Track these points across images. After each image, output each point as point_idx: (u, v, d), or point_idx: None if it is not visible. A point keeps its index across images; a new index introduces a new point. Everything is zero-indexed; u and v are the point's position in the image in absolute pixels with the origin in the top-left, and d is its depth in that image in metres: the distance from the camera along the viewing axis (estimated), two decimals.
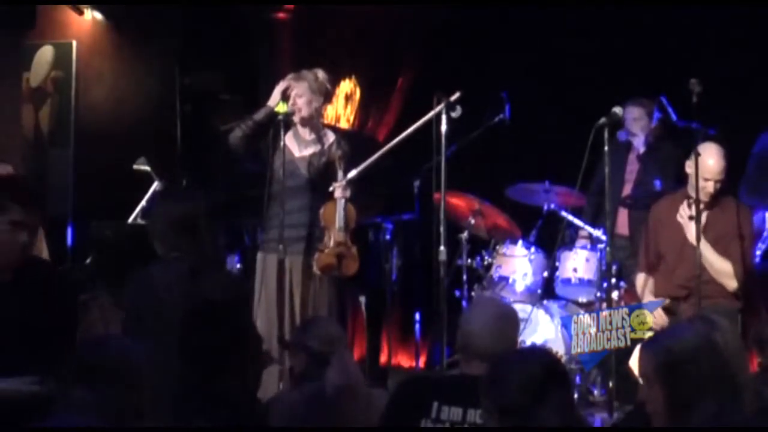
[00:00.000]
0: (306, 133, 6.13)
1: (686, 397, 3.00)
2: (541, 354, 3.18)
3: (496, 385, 3.00)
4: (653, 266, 5.95)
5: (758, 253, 6.23)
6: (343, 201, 5.93)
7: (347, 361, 4.10)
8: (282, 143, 5.91)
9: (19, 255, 3.96)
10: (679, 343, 3.08)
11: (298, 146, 6.10)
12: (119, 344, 3.22)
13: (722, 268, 5.70)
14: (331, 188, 5.96)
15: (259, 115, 5.99)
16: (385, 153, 6.18)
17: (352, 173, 5.98)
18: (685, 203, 5.72)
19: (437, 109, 5.84)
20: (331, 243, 5.91)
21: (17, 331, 3.80)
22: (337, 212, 5.91)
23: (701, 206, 5.66)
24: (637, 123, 6.89)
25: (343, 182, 5.93)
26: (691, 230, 5.66)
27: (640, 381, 5.46)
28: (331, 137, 6.16)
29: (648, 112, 6.91)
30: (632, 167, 6.99)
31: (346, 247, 5.93)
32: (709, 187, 5.68)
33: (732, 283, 5.72)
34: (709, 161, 5.65)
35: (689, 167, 5.76)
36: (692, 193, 5.77)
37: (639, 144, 6.93)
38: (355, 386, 4.01)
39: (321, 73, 6.05)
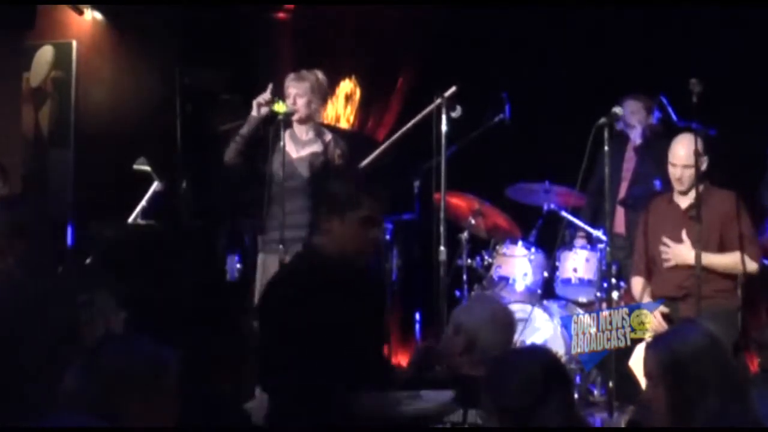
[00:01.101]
0: (303, 134, 6.14)
1: (690, 397, 3.00)
2: (541, 354, 3.18)
3: (496, 385, 3.00)
4: (649, 270, 5.94)
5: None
6: None
7: None
8: (282, 144, 5.92)
9: (370, 250, 3.89)
10: (684, 344, 3.09)
11: (295, 147, 6.12)
12: (136, 347, 3.21)
13: (730, 263, 5.69)
14: None
15: (245, 129, 6.01)
16: (384, 151, 6.19)
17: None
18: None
19: (435, 103, 5.85)
20: None
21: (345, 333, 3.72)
22: None
23: (687, 204, 5.67)
24: (634, 116, 6.90)
25: None
26: (681, 248, 5.66)
27: (641, 381, 5.47)
28: (328, 137, 6.17)
29: (645, 106, 6.91)
30: (629, 164, 6.99)
31: None
32: (677, 172, 5.71)
33: (752, 266, 5.71)
34: (674, 148, 5.73)
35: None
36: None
37: (636, 136, 6.93)
38: None
39: (321, 75, 6.08)
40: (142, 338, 2.87)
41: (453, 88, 5.83)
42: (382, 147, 6.20)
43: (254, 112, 6.02)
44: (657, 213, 5.96)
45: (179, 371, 2.84)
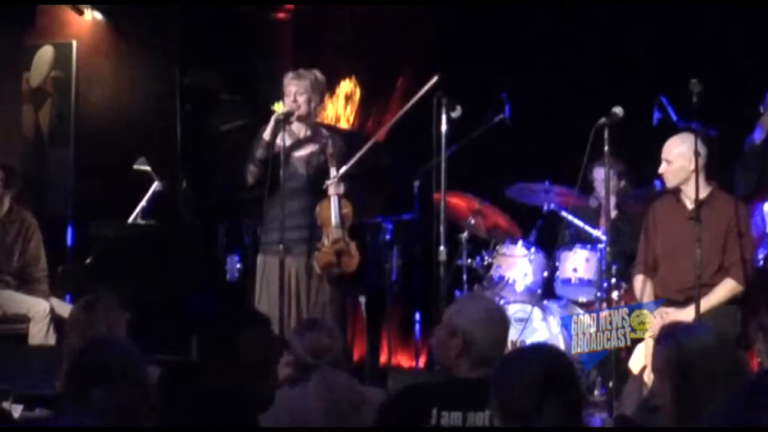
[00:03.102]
0: (302, 133, 6.15)
1: (697, 394, 3.00)
2: (544, 353, 3.15)
3: (500, 387, 3.00)
4: (652, 268, 5.93)
5: (760, 257, 6.21)
6: (337, 197, 5.94)
7: (329, 381, 4.03)
8: (283, 144, 5.92)
9: None
10: (692, 341, 3.08)
11: (293, 146, 6.11)
12: (120, 344, 3.28)
13: (726, 294, 5.67)
14: (324, 186, 5.97)
15: (261, 152, 5.98)
16: (373, 146, 6.20)
17: (343, 169, 5.99)
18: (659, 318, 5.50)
19: (421, 92, 5.85)
20: (328, 241, 5.92)
21: None
22: (332, 209, 5.93)
23: (692, 205, 5.66)
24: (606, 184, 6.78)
25: (335, 179, 5.94)
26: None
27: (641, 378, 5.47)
28: (326, 136, 6.18)
29: (616, 171, 6.69)
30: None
31: (345, 244, 5.93)
32: (661, 167, 5.75)
33: (740, 289, 5.70)
34: (666, 143, 5.75)
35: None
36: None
37: (611, 209, 6.76)
38: (335, 405, 3.95)
39: (319, 74, 6.09)
40: (114, 338, 2.92)
41: (435, 78, 5.84)
42: (369, 143, 6.18)
43: (266, 135, 5.97)
44: (663, 212, 5.94)
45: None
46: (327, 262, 5.93)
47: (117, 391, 2.98)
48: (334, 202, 5.94)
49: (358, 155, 6.08)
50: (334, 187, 5.94)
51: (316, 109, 6.16)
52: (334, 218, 5.92)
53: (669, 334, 3.21)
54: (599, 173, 6.58)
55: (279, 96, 6.21)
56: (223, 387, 3.15)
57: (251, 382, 3.18)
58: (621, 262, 6.41)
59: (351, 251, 5.95)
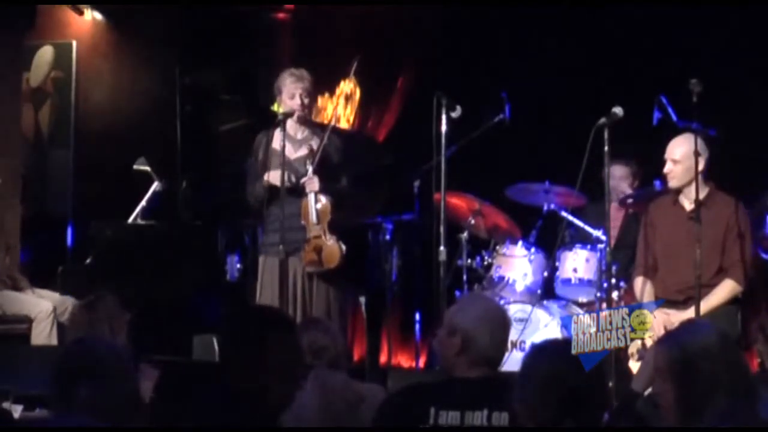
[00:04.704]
0: (299, 133, 6.17)
1: (698, 394, 3.00)
2: (568, 369, 3.17)
3: (520, 399, 3.03)
4: (651, 269, 5.93)
5: None
6: (313, 194, 5.95)
7: (325, 381, 4.03)
8: (283, 145, 5.93)
9: None
10: (694, 341, 3.08)
11: (292, 147, 6.13)
12: (105, 342, 3.35)
13: (726, 295, 5.67)
14: (301, 182, 5.99)
15: (261, 193, 6.03)
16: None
17: (309, 165, 6.01)
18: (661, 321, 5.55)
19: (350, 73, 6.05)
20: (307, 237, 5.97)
21: None
22: (309, 206, 5.95)
23: (691, 206, 5.65)
24: (623, 181, 6.95)
25: (308, 176, 5.97)
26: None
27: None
28: (323, 134, 6.19)
29: (632, 171, 6.98)
30: (615, 223, 6.90)
31: (323, 239, 5.94)
32: (666, 167, 5.76)
33: (739, 289, 5.70)
34: (669, 144, 5.76)
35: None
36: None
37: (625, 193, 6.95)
38: (332, 404, 3.95)
39: (308, 73, 6.16)
40: (93, 336, 3.20)
41: (356, 60, 5.93)
42: (328, 131, 6.22)
43: (271, 179, 6.01)
44: (660, 213, 5.93)
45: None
46: (309, 259, 5.95)
47: (102, 389, 2.99)
48: (311, 199, 5.96)
49: (320, 146, 6.08)
50: (308, 184, 5.97)
51: (314, 108, 6.24)
52: (311, 215, 5.95)
53: (670, 334, 3.21)
54: (615, 171, 6.69)
55: (273, 96, 6.23)
56: (247, 388, 3.13)
57: (275, 384, 3.17)
58: (626, 255, 6.44)
59: (328, 246, 5.95)
